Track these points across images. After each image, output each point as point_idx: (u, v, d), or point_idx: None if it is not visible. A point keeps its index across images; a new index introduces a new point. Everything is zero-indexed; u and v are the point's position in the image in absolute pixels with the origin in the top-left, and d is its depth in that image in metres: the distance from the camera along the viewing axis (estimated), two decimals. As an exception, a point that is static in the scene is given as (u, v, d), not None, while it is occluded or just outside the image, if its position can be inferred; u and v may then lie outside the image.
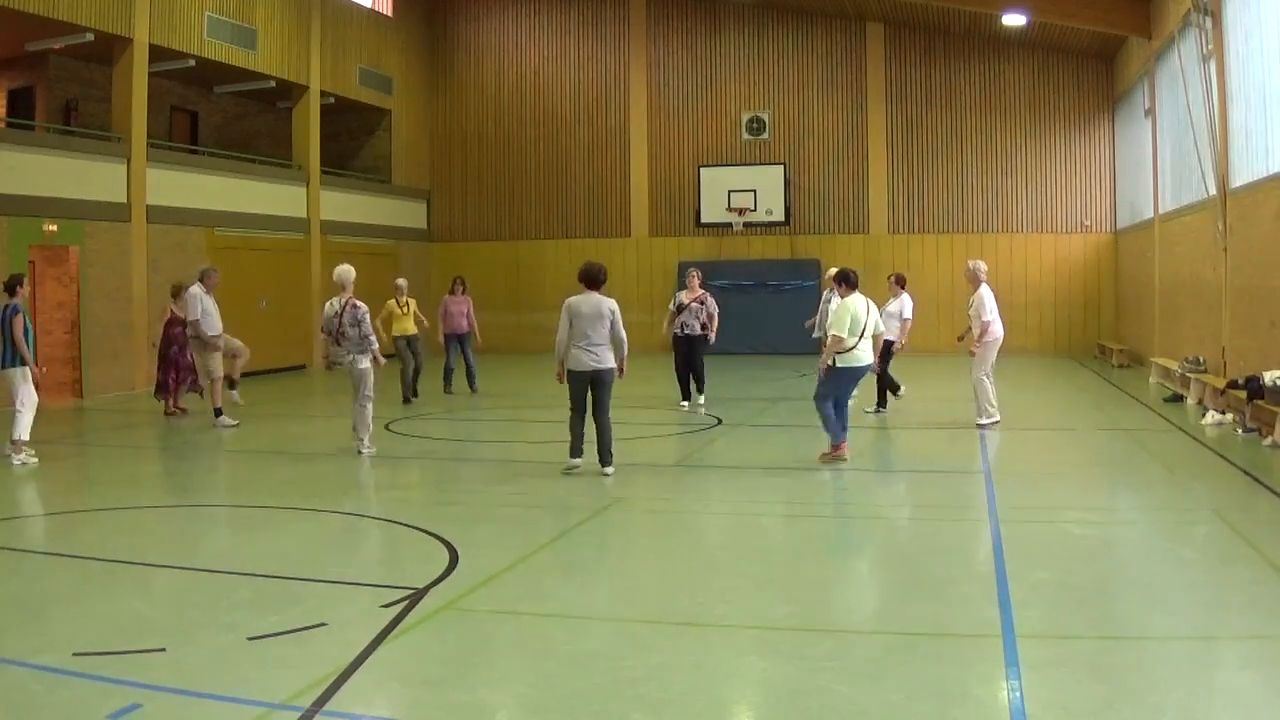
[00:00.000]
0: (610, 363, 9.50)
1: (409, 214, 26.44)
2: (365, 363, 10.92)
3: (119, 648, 5.06)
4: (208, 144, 22.28)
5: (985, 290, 12.50)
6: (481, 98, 27.07)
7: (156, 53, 18.29)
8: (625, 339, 9.68)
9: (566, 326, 9.46)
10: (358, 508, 8.41)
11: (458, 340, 16.64)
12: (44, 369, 17.08)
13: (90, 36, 17.16)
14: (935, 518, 8.34)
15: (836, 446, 10.09)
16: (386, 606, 5.67)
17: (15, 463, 10.27)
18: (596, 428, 9.55)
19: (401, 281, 16.33)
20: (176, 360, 14.27)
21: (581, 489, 9.13)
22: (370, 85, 24.61)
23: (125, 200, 17.70)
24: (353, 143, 25.70)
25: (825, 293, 14.24)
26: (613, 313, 9.52)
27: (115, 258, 17.26)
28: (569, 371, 9.50)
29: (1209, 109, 14.61)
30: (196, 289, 13.53)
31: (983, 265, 12.92)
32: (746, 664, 5.05)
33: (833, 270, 11.14)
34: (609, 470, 9.52)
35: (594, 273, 9.71)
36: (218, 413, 13.34)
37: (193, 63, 19.33)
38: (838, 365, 9.89)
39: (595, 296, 9.57)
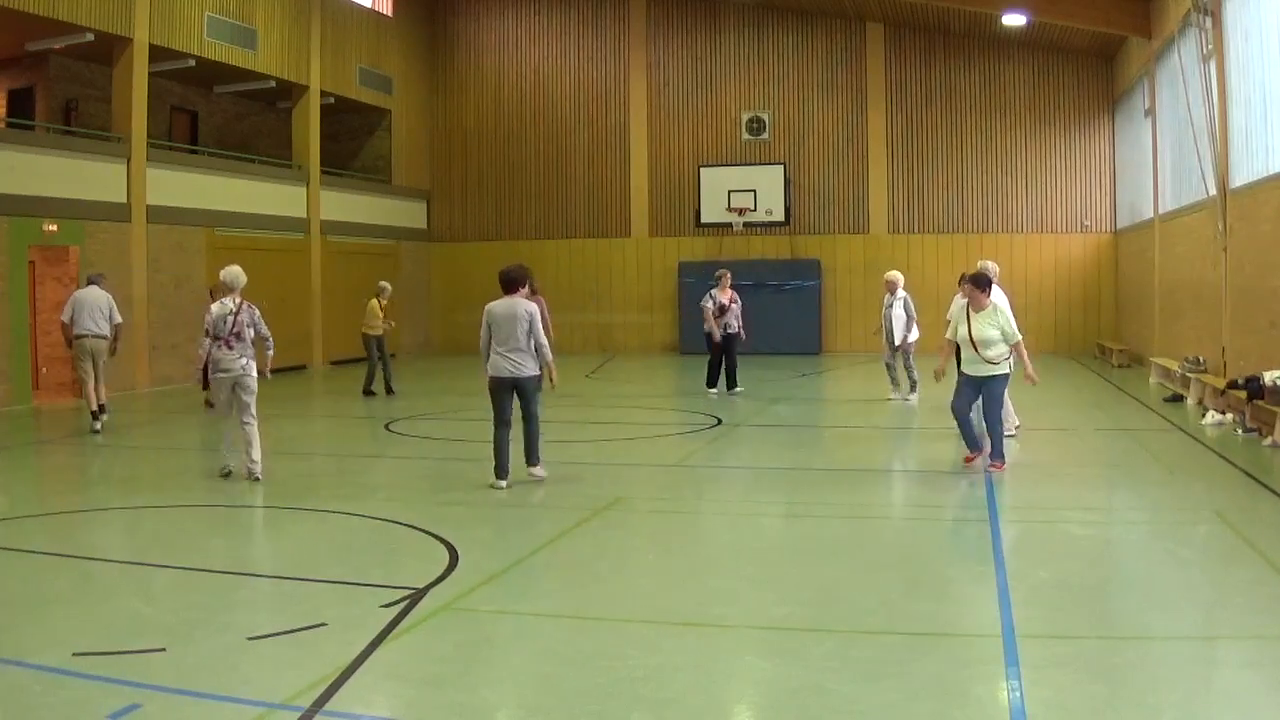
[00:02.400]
0: (531, 370, 9.08)
1: (409, 214, 26.45)
2: (254, 370, 9.85)
3: (119, 648, 5.06)
4: (208, 144, 22.28)
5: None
6: (481, 98, 27.07)
7: (156, 53, 18.29)
8: (547, 344, 9.23)
9: (485, 333, 9.13)
10: (358, 508, 8.41)
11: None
12: (44, 369, 17.21)
13: (90, 36, 17.16)
14: (935, 518, 8.35)
15: (998, 460, 9.68)
16: (386, 606, 5.67)
17: None
18: (525, 433, 9.21)
19: (385, 285, 17.17)
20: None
21: (581, 489, 9.13)
22: (370, 85, 24.61)
23: (125, 200, 17.70)
24: (353, 143, 25.70)
25: (886, 298, 14.92)
26: (530, 316, 8.99)
27: (115, 258, 17.26)
28: (490, 379, 9.18)
29: (1209, 109, 14.61)
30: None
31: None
32: (746, 664, 5.05)
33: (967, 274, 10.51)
34: (537, 472, 9.25)
35: (511, 276, 9.18)
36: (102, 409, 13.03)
37: (193, 63, 19.33)
38: (1008, 371, 9.64)
39: (511, 300, 9.08)
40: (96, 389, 12.95)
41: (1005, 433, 11.62)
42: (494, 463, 9.18)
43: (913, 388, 14.75)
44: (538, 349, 9.13)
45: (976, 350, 9.46)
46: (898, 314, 14.71)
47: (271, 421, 14.49)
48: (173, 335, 18.51)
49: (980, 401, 9.69)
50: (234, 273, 10.06)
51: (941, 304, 22.67)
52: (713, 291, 16.44)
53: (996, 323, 9.46)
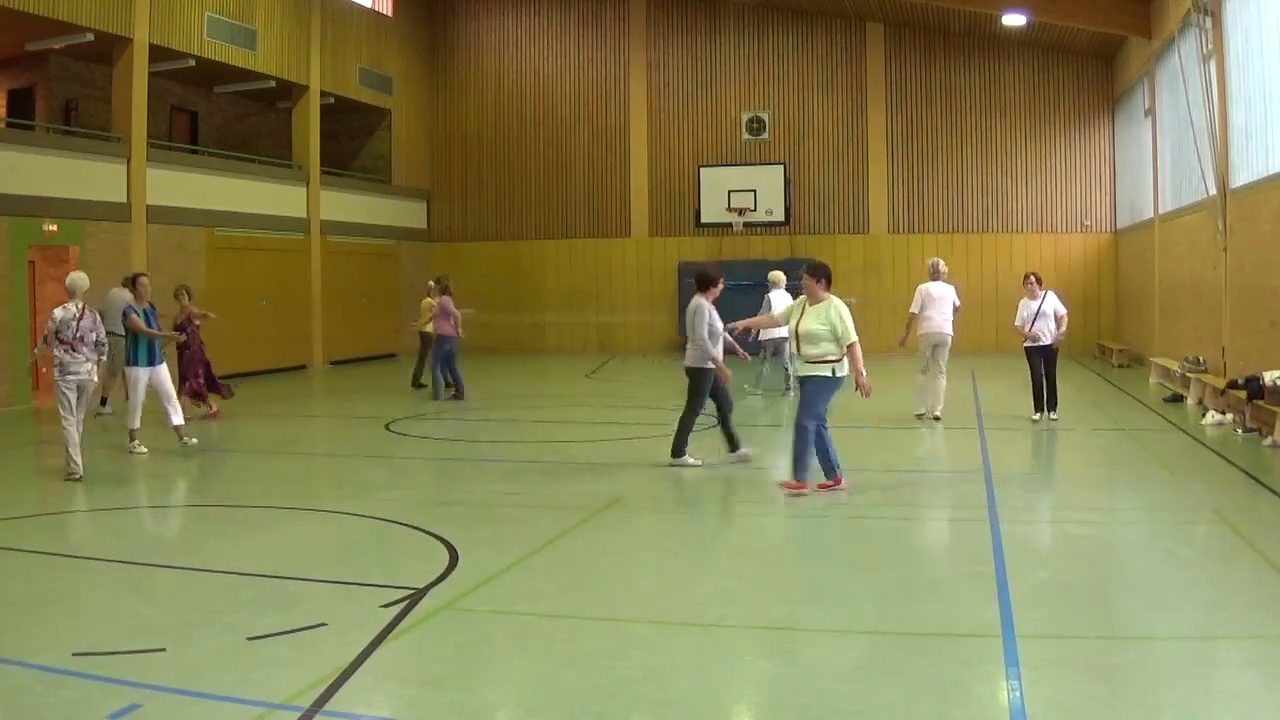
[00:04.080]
0: (689, 361, 9.98)
1: (409, 214, 26.45)
2: (95, 374, 10.20)
3: (119, 648, 5.06)
4: (208, 144, 22.27)
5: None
6: (481, 98, 27.07)
7: (156, 53, 18.28)
8: (706, 340, 9.85)
9: None
10: (358, 508, 8.41)
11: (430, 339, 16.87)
12: (45, 369, 17.19)
13: (90, 36, 17.16)
14: (935, 518, 8.35)
15: (836, 480, 8.94)
16: (386, 606, 5.67)
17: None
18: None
19: (433, 282, 17.11)
20: (197, 359, 14.24)
21: (581, 489, 9.13)
22: (370, 85, 24.61)
23: (125, 200, 17.70)
24: (353, 143, 25.70)
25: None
26: (692, 313, 9.83)
27: (115, 258, 17.25)
28: None
29: (1209, 109, 14.61)
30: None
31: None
32: (746, 664, 5.05)
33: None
34: (688, 460, 9.96)
35: (697, 276, 10.21)
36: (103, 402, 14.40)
37: (193, 63, 19.32)
38: (837, 375, 8.69)
39: (695, 298, 10.03)
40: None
41: (932, 413, 12.43)
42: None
43: (785, 387, 15.70)
44: (698, 342, 9.81)
45: (799, 345, 8.79)
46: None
47: (272, 421, 14.51)
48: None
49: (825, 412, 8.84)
50: (76, 278, 10.38)
51: (941, 304, 22.82)
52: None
53: (828, 319, 8.58)
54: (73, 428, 9.75)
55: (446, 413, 14.74)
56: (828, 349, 8.58)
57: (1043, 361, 12.94)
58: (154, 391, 11.30)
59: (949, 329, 13.06)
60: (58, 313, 9.96)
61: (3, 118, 18.98)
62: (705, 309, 9.86)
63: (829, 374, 8.58)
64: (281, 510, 8.44)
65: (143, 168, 17.97)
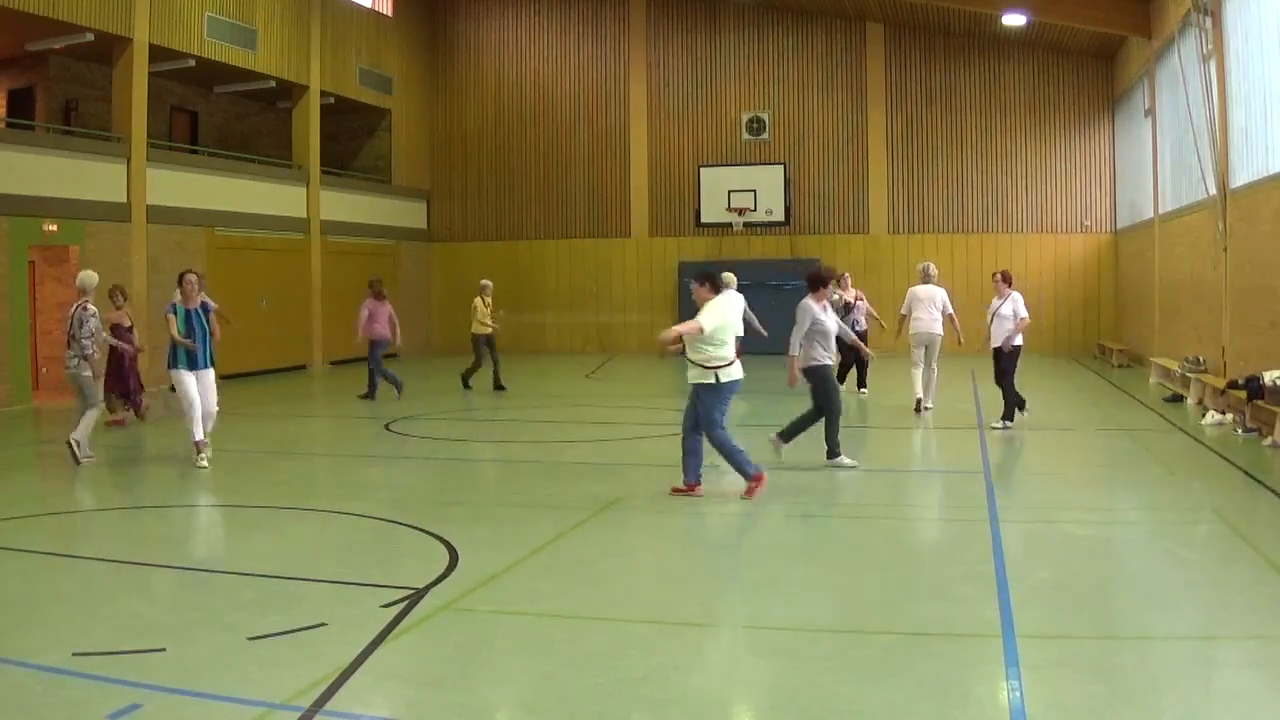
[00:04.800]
0: (802, 362, 9.99)
1: (409, 214, 26.45)
2: (87, 370, 10.68)
3: (119, 648, 5.06)
4: (208, 144, 22.28)
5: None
6: (481, 98, 27.07)
7: (156, 53, 18.29)
8: (796, 341, 9.95)
9: None
10: (358, 508, 8.41)
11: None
12: (45, 369, 17.21)
13: (90, 36, 17.16)
14: (935, 518, 8.35)
15: (692, 485, 8.80)
16: (386, 606, 5.67)
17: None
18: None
19: (487, 282, 17.14)
20: (125, 366, 13.51)
21: (581, 489, 9.13)
22: (370, 85, 24.61)
23: (125, 200, 17.70)
24: (353, 143, 25.71)
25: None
26: (798, 316, 9.92)
27: (115, 258, 17.25)
28: None
29: (1209, 109, 14.61)
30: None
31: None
32: (746, 664, 5.05)
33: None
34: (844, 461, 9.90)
35: (807, 276, 10.32)
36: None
37: (193, 63, 19.33)
38: (720, 381, 8.49)
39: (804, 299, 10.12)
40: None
41: (925, 402, 12.82)
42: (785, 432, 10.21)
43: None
44: (802, 343, 9.88)
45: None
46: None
47: (272, 421, 14.51)
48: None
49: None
50: (83, 277, 11.19)
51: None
52: (837, 292, 16.03)
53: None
54: (86, 414, 10.66)
55: (446, 413, 14.74)
56: (709, 354, 8.44)
57: (995, 364, 12.42)
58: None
59: (938, 329, 13.60)
60: (92, 310, 10.89)
61: (3, 118, 18.98)
62: (811, 311, 9.87)
63: (713, 380, 8.48)
64: (281, 510, 8.44)
65: (143, 168, 17.97)
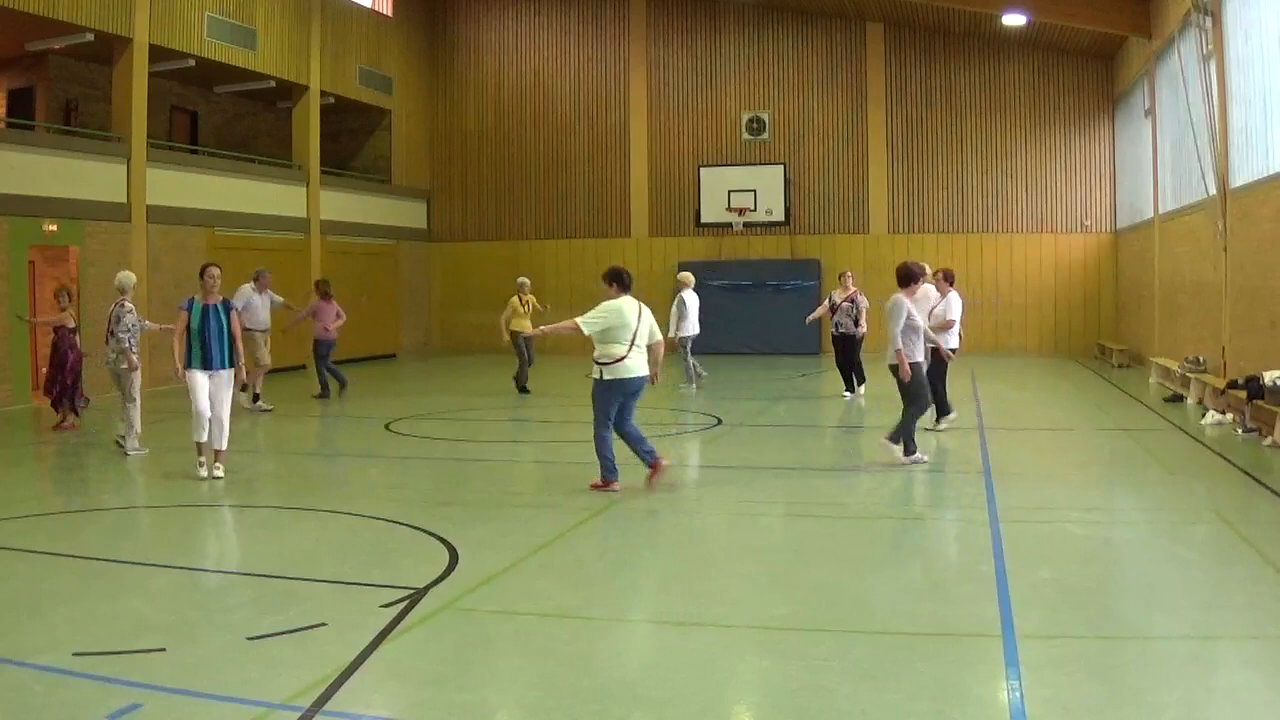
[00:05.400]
0: (891, 358, 10.13)
1: (409, 214, 26.45)
2: (124, 363, 11.15)
3: (119, 648, 5.06)
4: (208, 144, 22.28)
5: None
6: (481, 98, 27.07)
7: (156, 53, 18.29)
8: (897, 337, 10.04)
9: None
10: (358, 508, 8.40)
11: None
12: (44, 369, 17.18)
13: (90, 36, 17.16)
14: (935, 518, 8.35)
15: (607, 482, 8.94)
16: (386, 606, 5.67)
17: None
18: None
19: (524, 280, 17.05)
20: (68, 368, 13.10)
21: (581, 489, 9.12)
22: (370, 85, 24.61)
23: (125, 200, 17.70)
24: (353, 143, 25.71)
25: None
26: (891, 310, 10.08)
27: (115, 258, 17.25)
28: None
29: (1209, 109, 14.61)
30: (248, 286, 15.32)
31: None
32: (746, 664, 5.05)
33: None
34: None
35: (901, 271, 10.37)
36: (256, 398, 14.94)
37: (193, 63, 19.33)
38: (605, 378, 8.76)
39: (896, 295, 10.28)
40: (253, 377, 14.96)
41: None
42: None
43: (689, 379, 16.43)
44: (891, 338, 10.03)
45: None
46: (673, 312, 16.55)
47: (272, 421, 14.50)
48: (172, 336, 18.48)
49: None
50: (122, 277, 11.63)
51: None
52: (833, 291, 16.21)
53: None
54: (131, 407, 11.19)
55: (446, 413, 14.74)
56: (599, 351, 8.80)
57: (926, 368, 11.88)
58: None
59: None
60: (129, 308, 11.41)
61: (3, 118, 18.98)
62: (904, 306, 10.04)
63: (599, 376, 8.80)
64: (281, 510, 8.44)
65: (143, 168, 17.97)
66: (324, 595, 6.08)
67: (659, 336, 9.07)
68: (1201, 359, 14.90)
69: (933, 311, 12.08)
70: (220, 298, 9.95)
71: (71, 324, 13.32)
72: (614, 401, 8.82)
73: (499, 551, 6.96)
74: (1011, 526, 7.58)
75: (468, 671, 4.90)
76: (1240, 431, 11.59)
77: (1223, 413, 12.42)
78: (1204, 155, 14.77)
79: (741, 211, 24.29)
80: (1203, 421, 12.54)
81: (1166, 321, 18.36)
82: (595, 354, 8.82)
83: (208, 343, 9.68)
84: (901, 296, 10.14)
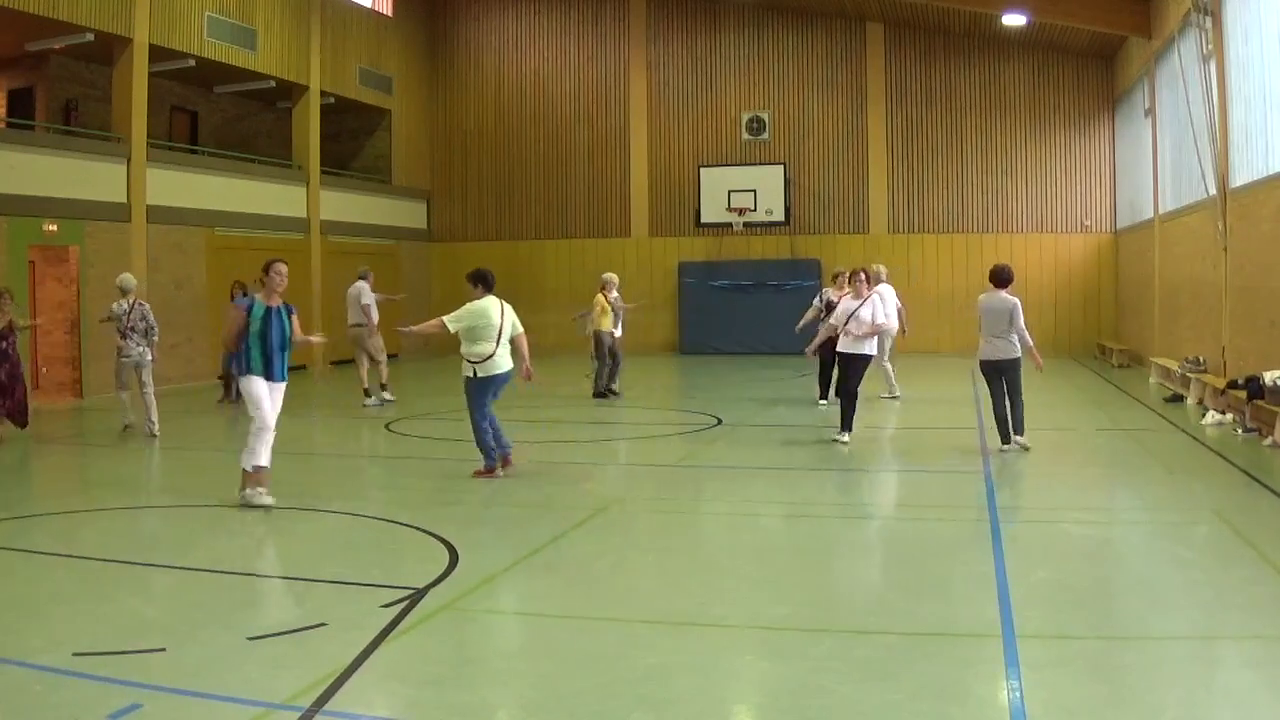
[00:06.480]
0: (1014, 353, 10.61)
1: (409, 214, 26.44)
2: (150, 355, 12.62)
3: (119, 648, 5.06)
4: (208, 144, 22.27)
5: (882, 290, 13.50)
6: (481, 98, 27.07)
7: (156, 53, 18.28)
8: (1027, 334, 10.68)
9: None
10: (358, 508, 8.41)
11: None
12: (45, 369, 17.20)
13: (90, 36, 17.16)
14: (935, 518, 8.34)
15: (490, 469, 9.57)
16: (386, 606, 5.67)
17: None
18: (1012, 406, 10.68)
19: (609, 276, 16.60)
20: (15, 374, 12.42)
21: (581, 489, 9.13)
22: (370, 85, 24.61)
23: (125, 200, 17.70)
24: (353, 143, 25.70)
25: (612, 296, 16.03)
26: (1011, 308, 10.53)
27: (115, 258, 17.25)
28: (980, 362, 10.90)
29: (1209, 109, 14.60)
30: (365, 284, 16.01)
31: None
32: (746, 664, 5.05)
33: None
34: (1022, 440, 10.56)
35: (995, 274, 10.81)
36: (367, 393, 15.46)
37: (193, 63, 19.32)
38: (479, 376, 9.40)
39: (996, 294, 10.69)
40: (376, 368, 15.60)
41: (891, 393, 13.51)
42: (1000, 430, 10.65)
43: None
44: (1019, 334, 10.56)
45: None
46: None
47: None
48: (172, 335, 18.48)
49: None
50: (126, 278, 12.84)
51: (942, 304, 22.91)
52: (825, 290, 15.65)
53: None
54: (124, 395, 12.64)
55: (446, 413, 14.73)
56: (469, 349, 9.35)
57: (841, 369, 11.63)
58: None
59: (890, 325, 14.33)
60: (114, 308, 12.60)
61: (3, 118, 18.98)
62: (1018, 305, 10.53)
63: (472, 374, 9.39)
64: (282, 510, 8.43)
65: (143, 168, 17.97)
66: (324, 595, 6.08)
67: (520, 329, 9.58)
68: (1201, 359, 14.90)
69: (857, 314, 11.30)
70: (281, 300, 8.77)
71: (10, 330, 12.29)
72: (488, 396, 9.45)
73: (499, 551, 6.96)
74: (1011, 526, 7.59)
75: (467, 671, 4.91)
76: (1240, 431, 11.58)
77: (1223, 413, 12.41)
78: (1204, 155, 14.77)
79: (741, 211, 24.28)
80: (1203, 421, 12.54)
81: (1166, 321, 18.36)
82: (464, 353, 9.37)
83: (271, 349, 8.51)
84: (1010, 295, 10.63)
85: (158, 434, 12.26)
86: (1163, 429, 12.49)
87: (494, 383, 9.49)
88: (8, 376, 12.19)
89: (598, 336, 16.01)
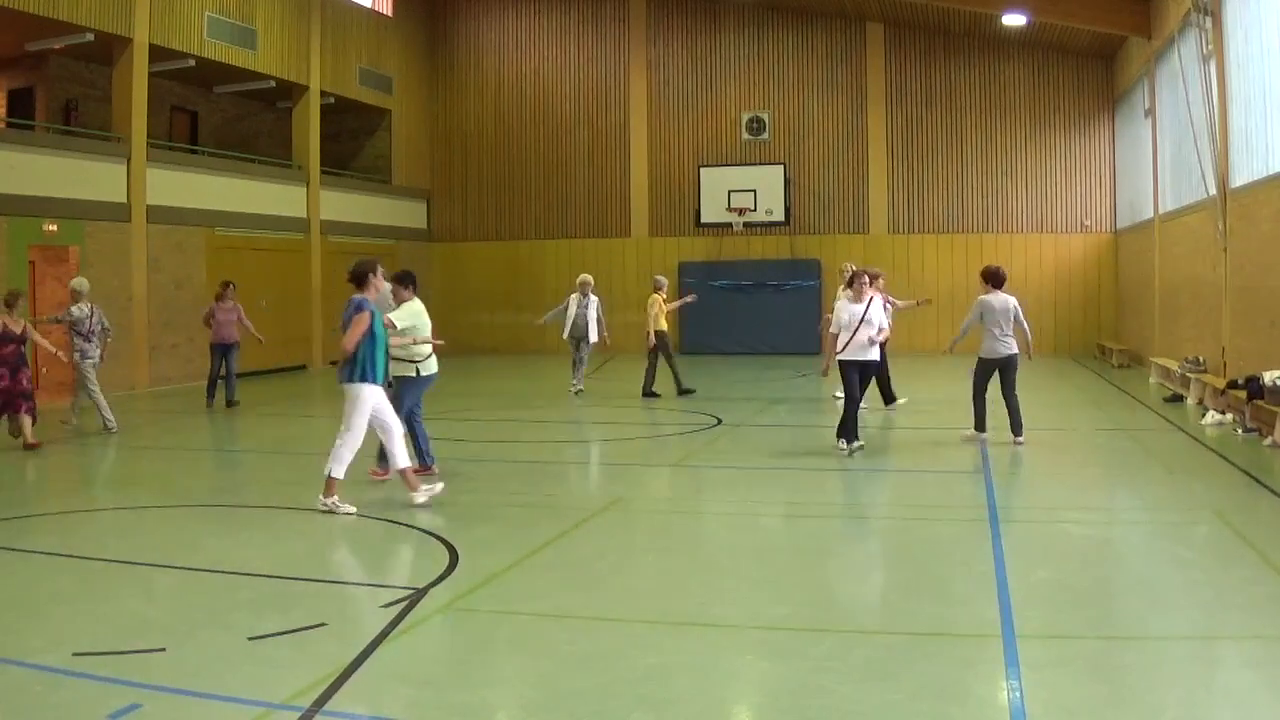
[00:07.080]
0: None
1: (409, 214, 26.44)
2: (102, 356, 12.85)
3: (119, 648, 5.06)
4: (208, 144, 22.28)
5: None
6: (481, 98, 27.07)
7: (156, 53, 18.29)
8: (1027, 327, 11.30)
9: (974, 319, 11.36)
10: (358, 508, 8.40)
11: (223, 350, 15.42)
12: (45, 369, 17.21)
13: (90, 36, 17.17)
14: (935, 518, 8.34)
15: (427, 467, 9.44)
16: (386, 606, 5.67)
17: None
18: (1007, 403, 11.21)
19: (662, 278, 17.13)
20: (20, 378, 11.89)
21: (581, 489, 9.13)
22: (370, 85, 24.61)
23: (125, 200, 17.71)
24: (353, 143, 25.70)
25: (579, 298, 16.49)
26: (1016, 307, 11.18)
27: (115, 258, 17.27)
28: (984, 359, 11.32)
29: (1209, 109, 14.61)
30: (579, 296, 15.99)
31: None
32: (746, 664, 5.05)
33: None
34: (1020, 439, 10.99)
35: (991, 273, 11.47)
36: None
37: (193, 63, 19.33)
38: (421, 374, 9.50)
39: (1003, 294, 11.21)
40: None
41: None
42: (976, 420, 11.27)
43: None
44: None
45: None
46: (591, 315, 16.72)
47: (272, 421, 14.50)
48: (172, 335, 18.52)
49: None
50: (82, 282, 13.09)
51: (941, 305, 22.88)
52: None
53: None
54: (98, 393, 12.62)
55: (446, 413, 14.72)
56: (410, 349, 9.38)
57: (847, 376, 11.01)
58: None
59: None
60: (75, 311, 12.66)
61: (3, 118, 18.98)
62: (1016, 301, 11.13)
63: (414, 374, 9.46)
64: (282, 510, 8.43)
65: (143, 168, 17.97)
66: (324, 595, 6.08)
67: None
68: (1201, 359, 14.90)
69: (867, 318, 10.92)
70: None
71: None
72: (420, 394, 9.61)
73: (499, 551, 6.96)
74: (1011, 526, 7.59)
75: (468, 671, 4.91)
76: (1240, 431, 11.58)
77: (1223, 413, 12.41)
78: (1204, 155, 14.77)
79: (741, 211, 24.28)
80: (1203, 421, 12.54)
81: (1166, 321, 18.36)
82: (402, 355, 9.31)
83: (381, 354, 8.32)
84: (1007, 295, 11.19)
85: (114, 429, 12.56)
86: (1163, 429, 12.49)
87: (429, 381, 9.62)
88: (27, 379, 11.92)
89: (660, 337, 16.33)
